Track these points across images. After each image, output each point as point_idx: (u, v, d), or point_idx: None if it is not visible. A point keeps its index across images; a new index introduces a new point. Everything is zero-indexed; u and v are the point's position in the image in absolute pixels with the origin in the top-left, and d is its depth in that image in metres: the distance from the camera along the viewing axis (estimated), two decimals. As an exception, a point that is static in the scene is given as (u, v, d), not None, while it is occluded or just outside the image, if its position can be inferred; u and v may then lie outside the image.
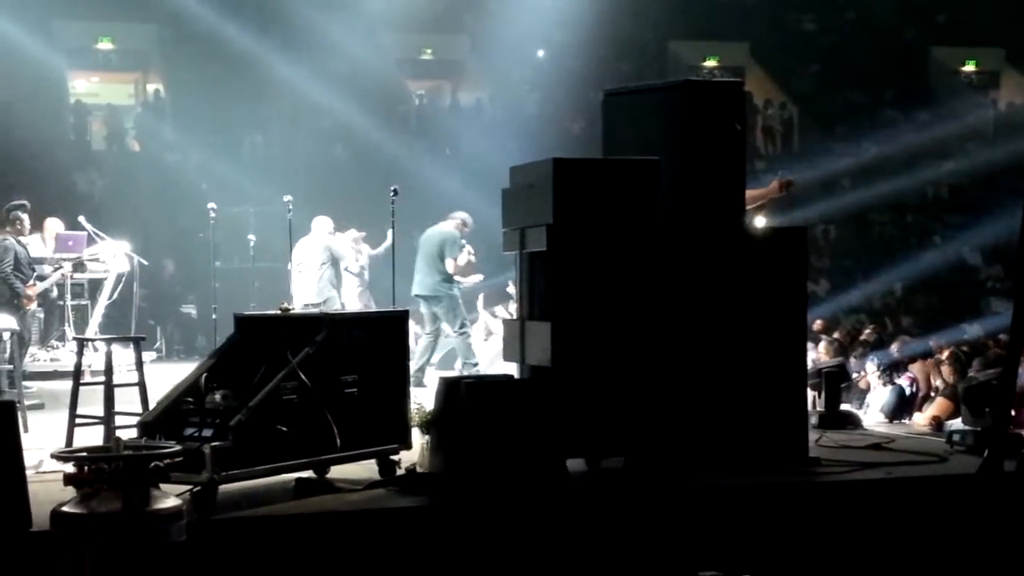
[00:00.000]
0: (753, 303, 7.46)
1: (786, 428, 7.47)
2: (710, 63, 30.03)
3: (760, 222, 9.01)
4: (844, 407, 9.82)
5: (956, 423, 8.76)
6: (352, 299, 14.17)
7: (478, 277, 13.72)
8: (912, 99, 28.20)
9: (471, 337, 12.92)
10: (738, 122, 7.68)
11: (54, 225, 13.93)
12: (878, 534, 6.70)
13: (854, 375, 11.13)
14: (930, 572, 6.71)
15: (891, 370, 10.85)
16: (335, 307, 12.38)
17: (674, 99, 7.70)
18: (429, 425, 6.89)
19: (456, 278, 12.62)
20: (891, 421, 10.07)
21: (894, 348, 11.94)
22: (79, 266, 13.59)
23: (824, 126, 27.79)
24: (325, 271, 12.84)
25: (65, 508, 4.57)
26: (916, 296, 22.61)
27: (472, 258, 12.94)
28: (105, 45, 27.60)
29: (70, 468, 4.65)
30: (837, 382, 9.62)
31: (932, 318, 19.26)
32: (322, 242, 12.96)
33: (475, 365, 12.34)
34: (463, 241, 12.67)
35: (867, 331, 14.56)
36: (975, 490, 6.87)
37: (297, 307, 11.35)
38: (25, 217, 11.78)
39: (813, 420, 8.78)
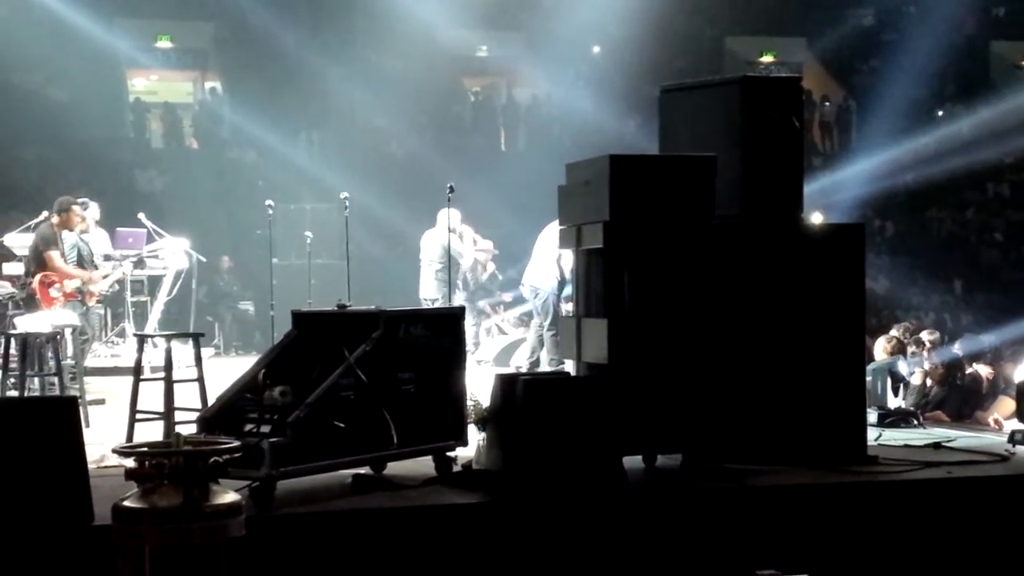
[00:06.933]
0: (811, 300, 7.42)
1: (844, 426, 7.43)
2: (767, 59, 29.83)
3: (817, 218, 8.95)
4: (901, 405, 9.73)
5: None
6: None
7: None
8: (973, 94, 27.85)
9: (555, 335, 12.93)
10: (796, 118, 7.63)
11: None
12: (938, 534, 6.62)
13: (911, 373, 11.02)
14: (991, 573, 6.64)
15: (953, 369, 10.73)
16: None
17: (732, 95, 7.65)
18: (485, 422, 6.88)
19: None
20: (952, 420, 9.96)
21: (956, 347, 11.81)
22: (139, 263, 13.74)
23: (883, 122, 27.50)
24: (441, 269, 12.76)
25: (126, 502, 4.60)
26: (976, 294, 22.35)
27: None
28: (164, 44, 27.85)
29: (131, 463, 4.69)
30: (889, 380, 9.55)
31: (993, 316, 19.04)
32: (440, 239, 12.83)
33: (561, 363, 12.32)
34: None
35: (926, 330, 14.40)
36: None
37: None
38: (87, 214, 11.89)
39: (872, 418, 8.71)
